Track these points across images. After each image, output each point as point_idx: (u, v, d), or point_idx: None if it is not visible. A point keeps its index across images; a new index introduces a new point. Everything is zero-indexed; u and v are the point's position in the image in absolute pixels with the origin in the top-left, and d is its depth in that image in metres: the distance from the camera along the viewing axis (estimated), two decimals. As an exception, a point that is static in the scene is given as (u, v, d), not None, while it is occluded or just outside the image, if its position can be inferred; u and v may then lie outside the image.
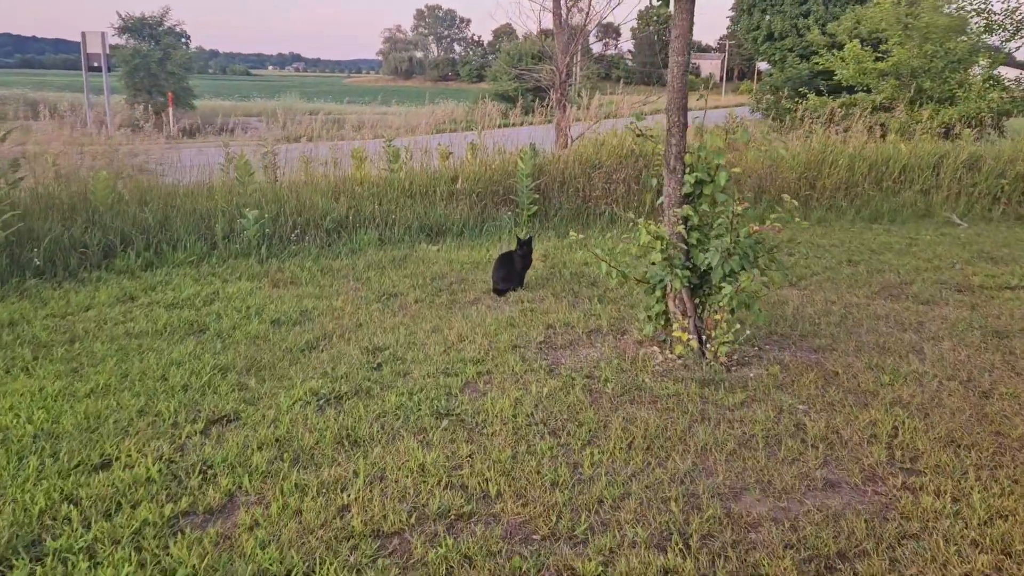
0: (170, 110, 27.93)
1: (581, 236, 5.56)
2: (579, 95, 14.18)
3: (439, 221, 9.45)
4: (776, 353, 5.43)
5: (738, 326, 5.15)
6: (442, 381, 4.80)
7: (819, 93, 22.17)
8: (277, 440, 3.96)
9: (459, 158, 10.76)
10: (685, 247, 4.95)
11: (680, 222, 5.08)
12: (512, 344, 5.53)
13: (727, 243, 4.74)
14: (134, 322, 5.85)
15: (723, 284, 4.86)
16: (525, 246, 7.02)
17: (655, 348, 5.38)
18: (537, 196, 9.94)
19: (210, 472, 3.62)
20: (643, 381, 4.86)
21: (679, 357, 5.17)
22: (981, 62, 18.74)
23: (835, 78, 22.39)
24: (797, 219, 5.32)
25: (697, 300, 5.26)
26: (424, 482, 3.58)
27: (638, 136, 5.14)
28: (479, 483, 3.58)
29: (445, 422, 4.22)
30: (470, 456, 3.84)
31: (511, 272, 7.11)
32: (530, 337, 5.71)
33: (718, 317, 5.04)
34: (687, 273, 4.93)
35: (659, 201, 5.29)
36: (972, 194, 11.68)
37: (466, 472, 3.67)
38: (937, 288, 7.36)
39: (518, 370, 5.03)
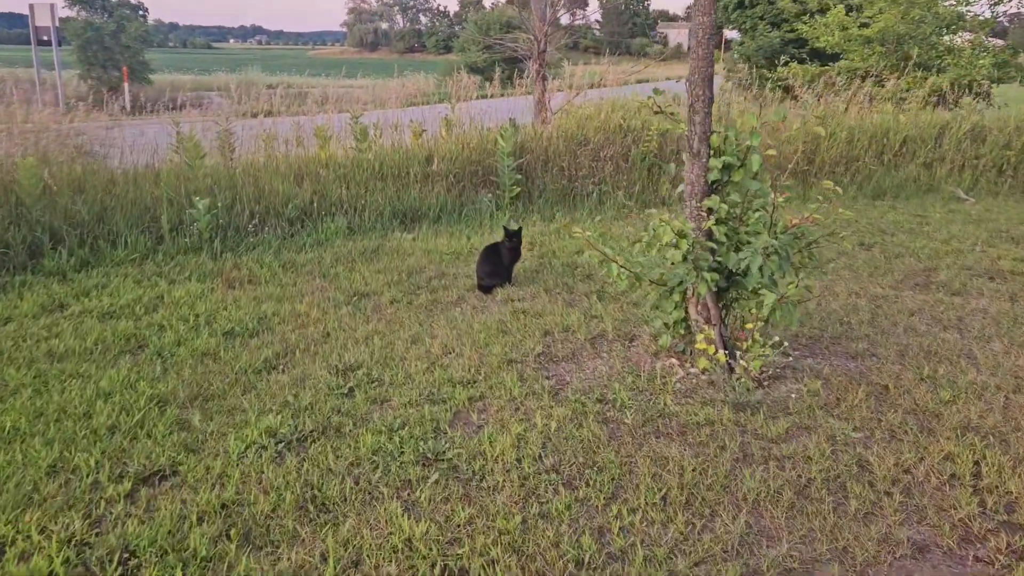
0: (125, 85, 26.58)
1: (579, 230, 4.74)
2: (562, 64, 13.29)
3: (413, 206, 8.59)
4: (810, 361, 4.70)
5: (775, 338, 4.41)
6: (427, 412, 4.00)
7: (800, 61, 21.39)
8: (223, 506, 3.14)
9: (433, 135, 9.89)
10: (712, 245, 4.16)
11: (705, 215, 4.30)
12: (506, 357, 4.74)
13: (766, 241, 3.97)
14: (59, 338, 4.96)
15: (762, 290, 4.10)
16: (514, 237, 6.22)
17: (673, 361, 4.61)
18: (519, 176, 9.12)
19: (132, 562, 2.80)
20: (666, 405, 4.10)
21: (703, 372, 4.42)
22: (967, 29, 18.10)
23: (808, 46, 21.74)
24: (841, 209, 4.56)
25: (721, 304, 4.50)
26: (413, 567, 2.79)
27: (656, 113, 4.34)
28: (483, 567, 2.80)
29: (435, 473, 3.42)
30: (469, 524, 3.05)
31: (498, 267, 6.30)
32: (526, 347, 4.93)
33: (750, 326, 4.28)
34: (716, 277, 4.16)
35: (677, 190, 4.50)
36: (976, 167, 11.04)
37: (466, 550, 2.88)
38: (965, 275, 6.68)
39: (517, 393, 4.24)
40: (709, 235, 4.25)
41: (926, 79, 15.46)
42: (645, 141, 9.89)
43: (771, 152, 4.17)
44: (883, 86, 14.23)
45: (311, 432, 3.79)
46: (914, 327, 5.38)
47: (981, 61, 16.59)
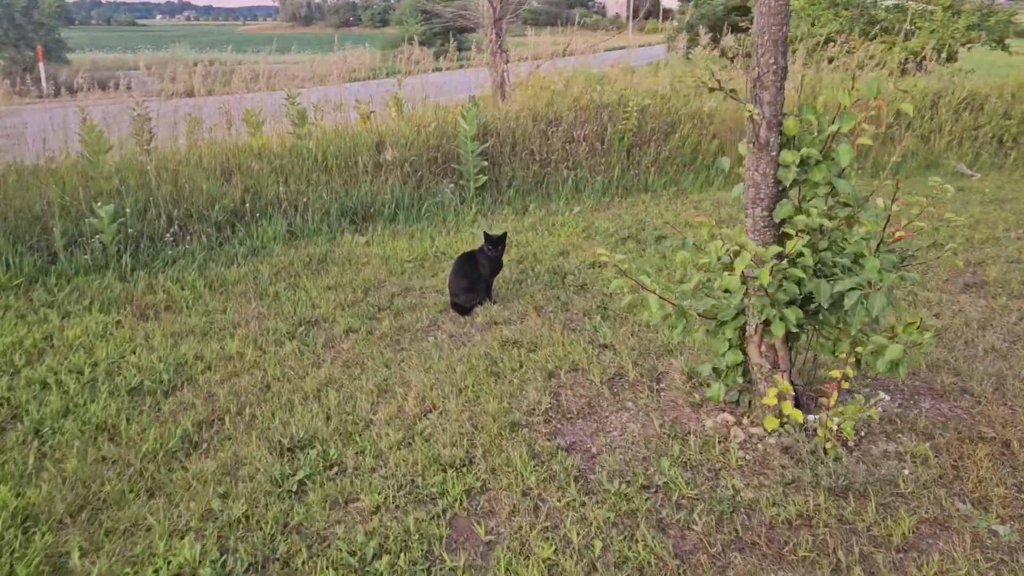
0: (40, 65, 24.46)
1: (605, 253, 3.61)
2: (525, 32, 12.06)
3: (365, 202, 7.34)
4: (901, 410, 3.67)
5: (879, 395, 3.36)
6: (412, 523, 2.84)
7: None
8: None
9: (381, 114, 8.62)
10: (798, 273, 3.06)
11: (772, 226, 3.21)
12: (507, 418, 3.61)
13: (872, 266, 2.89)
14: (-101, 413, 3.67)
15: (869, 332, 3.04)
16: (498, 245, 5.06)
17: (727, 416, 3.53)
18: (485, 163, 7.92)
19: None
20: (736, 491, 3.02)
21: (770, 433, 3.34)
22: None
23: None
24: (950, 214, 3.50)
25: (789, 344, 3.43)
26: None
27: (712, 91, 3.20)
28: None
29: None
30: None
31: (475, 281, 5.15)
32: (529, 399, 3.80)
33: (836, 374, 3.22)
34: (799, 314, 3.07)
35: (735, 193, 3.38)
36: (976, 138, 10.20)
37: None
38: (1016, 271, 5.75)
39: (531, 481, 3.11)
40: (779, 255, 3.16)
41: (893, 45, 14.61)
42: (623, 119, 8.77)
43: (865, 141, 3.08)
44: (851, 53, 13.33)
45: (246, 572, 2.60)
46: (994, 346, 4.40)
47: (956, 25, 15.85)
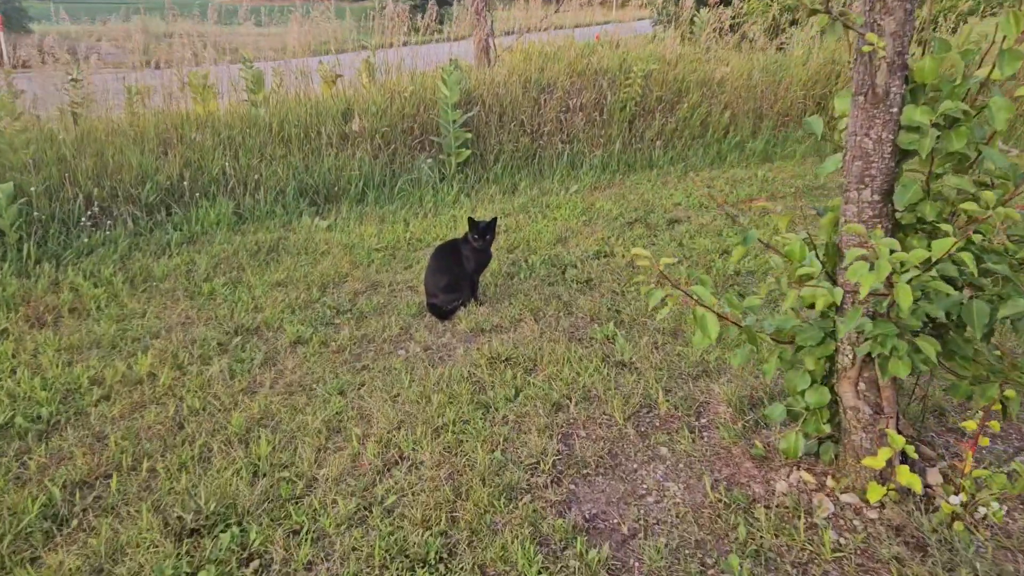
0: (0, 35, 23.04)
1: (643, 253, 2.64)
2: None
3: (328, 179, 6.30)
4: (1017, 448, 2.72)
5: None
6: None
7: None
8: None
9: (351, 81, 7.54)
10: (939, 286, 2.06)
11: (886, 215, 2.22)
12: (501, 481, 2.62)
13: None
14: None
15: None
16: (484, 234, 4.06)
17: (802, 473, 2.56)
18: (468, 135, 6.88)
19: None
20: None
21: (871, 505, 2.38)
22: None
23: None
24: None
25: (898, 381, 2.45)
26: None
27: (813, 14, 2.18)
28: None
29: None
30: None
31: (459, 277, 4.15)
32: (530, 444, 2.82)
33: (970, 426, 2.25)
34: (935, 346, 2.08)
35: (828, 168, 2.37)
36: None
37: None
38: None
39: (540, 588, 2.14)
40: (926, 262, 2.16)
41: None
42: (625, 86, 7.75)
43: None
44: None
45: None
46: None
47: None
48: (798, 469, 2.59)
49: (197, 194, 5.70)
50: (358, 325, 3.99)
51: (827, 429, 2.47)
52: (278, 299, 4.30)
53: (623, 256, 4.93)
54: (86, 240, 5.02)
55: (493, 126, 7.24)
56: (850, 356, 2.34)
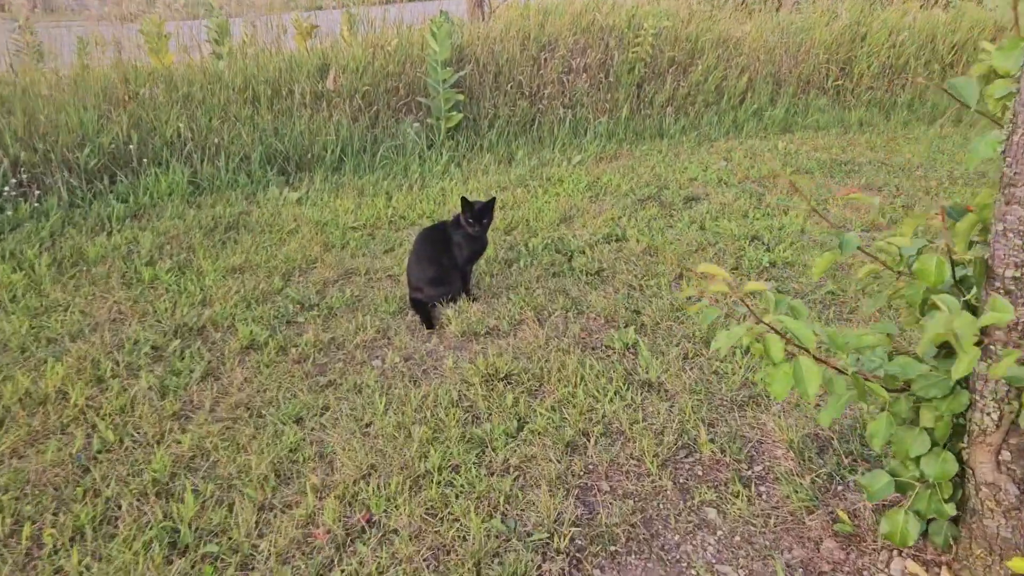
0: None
1: (717, 270, 1.95)
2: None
3: (301, 145, 5.55)
4: None
5: None
6: None
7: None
8: None
9: (329, 35, 6.76)
10: None
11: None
12: (502, 570, 1.95)
13: None
14: None
15: None
16: (480, 217, 3.36)
17: (910, 567, 1.91)
18: (460, 96, 6.13)
19: None
20: None
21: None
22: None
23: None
24: None
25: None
26: None
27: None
28: None
29: None
30: None
31: (448, 268, 3.45)
32: (539, 505, 2.16)
33: None
34: None
35: (976, 153, 1.67)
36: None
37: None
38: None
39: None
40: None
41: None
42: (634, 45, 7.00)
43: None
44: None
45: None
46: None
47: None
48: (901, 556, 1.94)
49: (146, 160, 4.96)
50: (326, 325, 3.31)
51: (950, 511, 1.80)
52: (232, 290, 3.60)
53: (637, 241, 4.24)
54: (10, 214, 4.29)
55: (488, 87, 6.48)
56: (994, 415, 1.67)
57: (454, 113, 6.08)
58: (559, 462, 2.35)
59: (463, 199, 3.33)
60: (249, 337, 3.15)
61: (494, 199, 3.42)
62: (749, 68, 7.46)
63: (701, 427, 2.53)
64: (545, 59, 6.74)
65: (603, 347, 3.10)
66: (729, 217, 4.68)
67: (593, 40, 6.95)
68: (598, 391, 2.73)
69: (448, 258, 3.45)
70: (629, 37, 7.00)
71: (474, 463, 2.34)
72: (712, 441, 2.46)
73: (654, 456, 2.38)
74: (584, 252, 4.12)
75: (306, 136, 5.54)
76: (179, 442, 2.46)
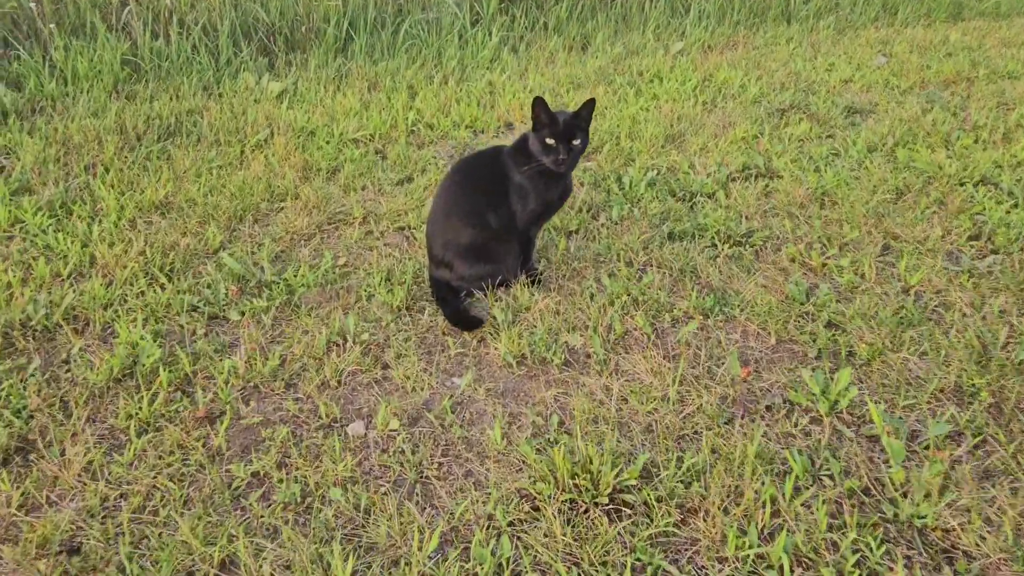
0: None
1: None
2: None
3: (293, 13, 3.93)
4: None
5: None
6: None
7: None
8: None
9: None
10: None
11: None
12: None
13: None
14: None
15: None
16: (568, 136, 1.80)
17: None
18: (518, -46, 4.42)
19: None
20: None
21: None
22: None
23: None
24: None
25: None
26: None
27: None
28: None
29: None
30: None
31: (497, 230, 1.90)
32: None
33: None
34: None
35: None
36: None
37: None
38: None
39: None
40: None
41: None
42: None
43: None
44: None
45: None
46: None
47: None
48: None
49: (60, 27, 3.40)
50: (275, 331, 1.82)
51: None
52: (135, 248, 2.12)
53: (794, 178, 2.65)
54: None
55: (556, -58, 4.74)
56: None
57: (509, -23, 4.39)
58: None
59: (537, 101, 1.76)
60: (128, 357, 1.68)
61: (592, 102, 1.83)
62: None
63: None
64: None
65: (792, 412, 1.58)
66: (926, 143, 3.03)
67: None
68: (778, 494, 1.22)
69: (501, 212, 1.90)
70: None
71: None
72: None
73: None
74: (714, 195, 2.54)
75: (301, 1, 3.92)
76: None
